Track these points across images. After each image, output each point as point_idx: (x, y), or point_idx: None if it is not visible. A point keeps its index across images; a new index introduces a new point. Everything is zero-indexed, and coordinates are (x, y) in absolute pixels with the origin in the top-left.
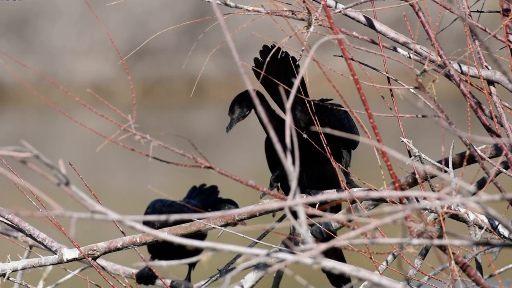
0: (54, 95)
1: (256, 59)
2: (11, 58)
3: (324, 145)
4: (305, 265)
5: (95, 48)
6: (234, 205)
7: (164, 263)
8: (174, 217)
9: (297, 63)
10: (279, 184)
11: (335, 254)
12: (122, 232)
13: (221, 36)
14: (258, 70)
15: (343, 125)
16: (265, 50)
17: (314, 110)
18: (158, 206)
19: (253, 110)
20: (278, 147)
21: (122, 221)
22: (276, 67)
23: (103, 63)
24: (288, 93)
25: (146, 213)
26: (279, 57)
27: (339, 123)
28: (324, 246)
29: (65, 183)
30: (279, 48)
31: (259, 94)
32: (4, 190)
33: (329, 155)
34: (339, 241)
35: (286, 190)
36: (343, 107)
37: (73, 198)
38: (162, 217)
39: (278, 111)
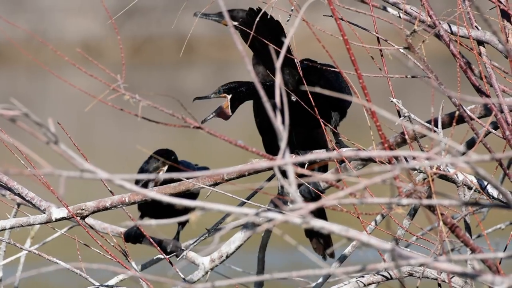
0: (45, 53)
1: (241, 22)
2: (0, 17)
3: (314, 106)
4: (294, 225)
5: (85, 6)
6: None
7: (153, 222)
8: (162, 176)
9: (286, 22)
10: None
11: (319, 214)
12: (111, 191)
13: None
14: (247, 30)
15: (333, 87)
16: (251, 12)
17: (302, 72)
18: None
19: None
20: (267, 106)
21: (111, 180)
22: (263, 30)
23: (93, 21)
24: (274, 55)
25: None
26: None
27: (329, 84)
28: (313, 205)
29: (54, 141)
30: (265, 12)
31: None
32: None
33: (318, 116)
34: (327, 201)
35: (276, 150)
36: (334, 68)
37: (62, 157)
38: (151, 176)
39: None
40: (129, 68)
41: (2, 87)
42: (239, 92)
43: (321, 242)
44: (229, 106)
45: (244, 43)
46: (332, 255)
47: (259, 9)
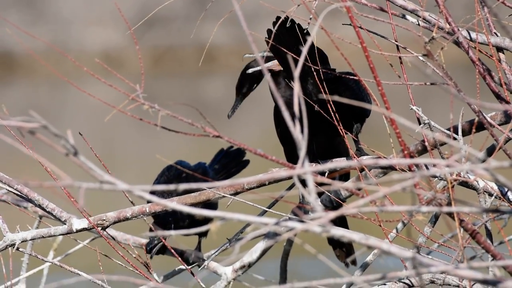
0: (65, 64)
1: (269, 30)
2: (19, 29)
3: (333, 115)
4: (315, 234)
5: (105, 17)
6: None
7: (173, 232)
8: (182, 186)
9: (305, 31)
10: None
11: (340, 222)
12: (131, 202)
13: (231, 4)
14: (271, 42)
15: (356, 96)
16: (278, 21)
17: (325, 81)
18: (165, 177)
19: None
20: (286, 115)
21: (131, 191)
22: (289, 38)
23: (113, 32)
24: (293, 64)
25: (159, 176)
26: (288, 26)
27: (352, 94)
28: (333, 214)
29: (74, 153)
30: (288, 18)
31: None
32: (13, 160)
33: (340, 125)
34: (347, 209)
35: (297, 159)
36: (354, 76)
37: (82, 169)
38: (171, 187)
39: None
40: (150, 78)
41: (23, 99)
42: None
43: (343, 249)
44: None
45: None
46: (354, 263)
47: (286, 17)
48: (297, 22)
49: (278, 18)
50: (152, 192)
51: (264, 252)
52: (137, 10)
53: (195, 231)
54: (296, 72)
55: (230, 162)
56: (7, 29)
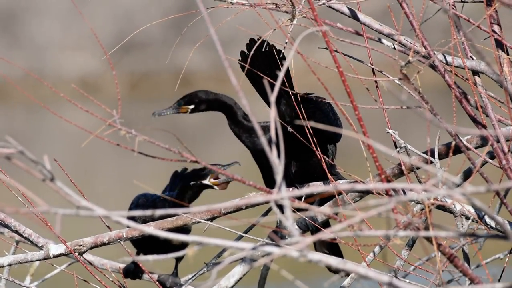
0: (42, 89)
1: (242, 52)
2: None
3: (310, 138)
4: (292, 259)
5: (82, 43)
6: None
7: (150, 257)
8: (159, 212)
9: (281, 55)
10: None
11: (330, 245)
12: (108, 227)
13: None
14: (244, 64)
15: (328, 119)
16: (252, 43)
17: (299, 104)
18: (142, 202)
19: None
20: (263, 139)
21: (108, 216)
22: (262, 60)
23: (90, 57)
24: (273, 87)
25: (130, 209)
26: (263, 50)
27: (324, 116)
28: (310, 239)
29: (50, 178)
30: (264, 41)
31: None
32: None
33: (314, 148)
34: (325, 234)
35: (273, 183)
36: (327, 100)
37: (59, 194)
38: (148, 212)
39: (264, 105)
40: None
41: None
42: (200, 101)
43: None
44: (189, 111)
45: (243, 74)
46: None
47: (259, 39)
48: (271, 44)
49: (251, 40)
50: (130, 218)
51: (241, 276)
52: (114, 36)
53: (172, 256)
54: (273, 97)
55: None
56: None
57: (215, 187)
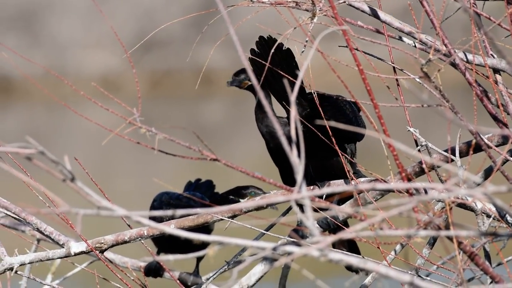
0: (63, 88)
1: (252, 50)
2: (17, 54)
3: (323, 137)
4: (313, 257)
5: (103, 41)
6: (238, 195)
7: (171, 257)
8: (180, 212)
9: (284, 48)
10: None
11: (348, 243)
12: (129, 225)
13: (228, 28)
14: (256, 58)
15: (345, 117)
16: (261, 41)
17: (314, 102)
18: (165, 199)
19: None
20: (283, 139)
21: (129, 216)
22: (273, 58)
23: (111, 55)
24: (283, 85)
25: (152, 205)
26: (273, 50)
27: (340, 115)
28: (331, 238)
29: (71, 179)
30: (275, 40)
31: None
32: (11, 184)
33: (333, 146)
34: (346, 233)
35: (289, 177)
36: (345, 98)
37: (79, 194)
38: (169, 213)
39: (274, 102)
40: (148, 102)
41: (20, 123)
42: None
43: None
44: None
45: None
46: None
47: (270, 37)
48: (281, 43)
49: (261, 37)
50: (151, 217)
51: (262, 275)
52: (135, 34)
53: (193, 256)
54: (293, 97)
55: (202, 194)
56: (4, 54)
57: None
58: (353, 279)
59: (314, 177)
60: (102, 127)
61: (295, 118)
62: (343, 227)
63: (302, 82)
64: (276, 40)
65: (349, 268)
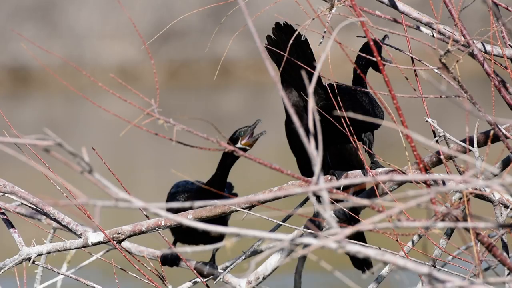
0: (81, 78)
1: (268, 37)
2: (34, 44)
3: (339, 125)
4: (330, 249)
5: (121, 31)
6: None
7: (188, 249)
8: (198, 204)
9: (303, 38)
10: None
11: (357, 234)
12: (147, 216)
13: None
14: (271, 48)
15: (361, 107)
16: (278, 27)
17: (331, 92)
18: (182, 184)
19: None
20: (301, 131)
21: (147, 208)
22: (289, 46)
23: (129, 46)
24: (299, 73)
25: (170, 192)
26: (292, 39)
27: (356, 105)
28: (349, 230)
29: (89, 171)
30: (291, 26)
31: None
32: (30, 175)
33: (350, 135)
34: (364, 225)
35: (310, 171)
36: (363, 89)
37: (97, 185)
38: (186, 204)
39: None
40: (166, 92)
41: (38, 113)
42: None
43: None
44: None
45: (272, 61)
46: (369, 266)
47: (286, 24)
48: (295, 29)
49: (277, 24)
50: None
51: (279, 264)
52: (153, 24)
53: (210, 248)
54: (311, 88)
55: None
56: (22, 44)
57: (247, 147)
58: (373, 270)
59: (331, 166)
60: (120, 118)
61: (312, 108)
62: (358, 218)
63: (314, 68)
64: (292, 27)
65: (357, 266)
